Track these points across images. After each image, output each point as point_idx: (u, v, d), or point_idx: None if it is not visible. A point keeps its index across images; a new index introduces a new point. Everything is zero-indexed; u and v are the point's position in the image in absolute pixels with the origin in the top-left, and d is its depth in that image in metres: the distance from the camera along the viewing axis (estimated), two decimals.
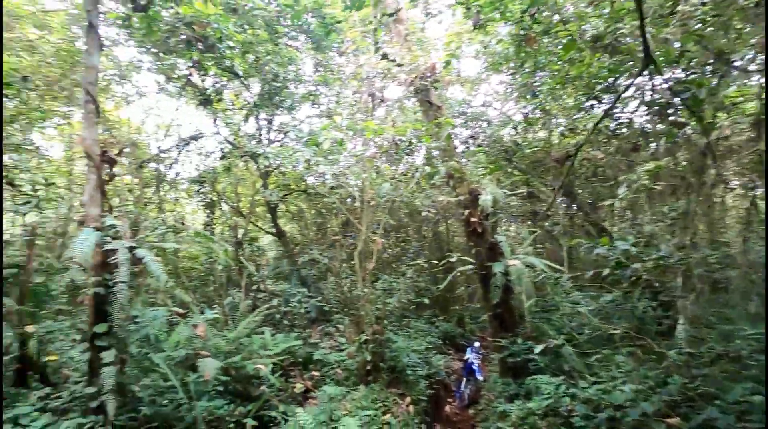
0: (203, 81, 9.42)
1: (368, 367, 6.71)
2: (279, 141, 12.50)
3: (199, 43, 6.41)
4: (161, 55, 9.92)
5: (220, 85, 10.23)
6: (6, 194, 9.49)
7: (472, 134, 11.09)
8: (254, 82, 11.47)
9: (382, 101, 8.50)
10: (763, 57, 4.78)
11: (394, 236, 12.73)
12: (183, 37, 7.44)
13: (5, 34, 8.70)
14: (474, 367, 8.76)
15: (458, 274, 7.80)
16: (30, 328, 5.69)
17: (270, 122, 12.12)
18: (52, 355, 6.08)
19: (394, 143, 7.55)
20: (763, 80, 5.41)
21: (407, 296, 8.81)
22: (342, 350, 8.42)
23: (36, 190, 7.31)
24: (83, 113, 5.09)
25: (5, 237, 9.88)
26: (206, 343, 6.80)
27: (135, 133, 11.92)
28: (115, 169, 5.88)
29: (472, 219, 6.95)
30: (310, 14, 10.60)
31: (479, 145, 9.83)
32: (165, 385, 5.85)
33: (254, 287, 11.26)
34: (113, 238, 4.82)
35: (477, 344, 9.65)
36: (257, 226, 12.20)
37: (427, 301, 8.49)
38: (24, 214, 10.34)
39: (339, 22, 9.44)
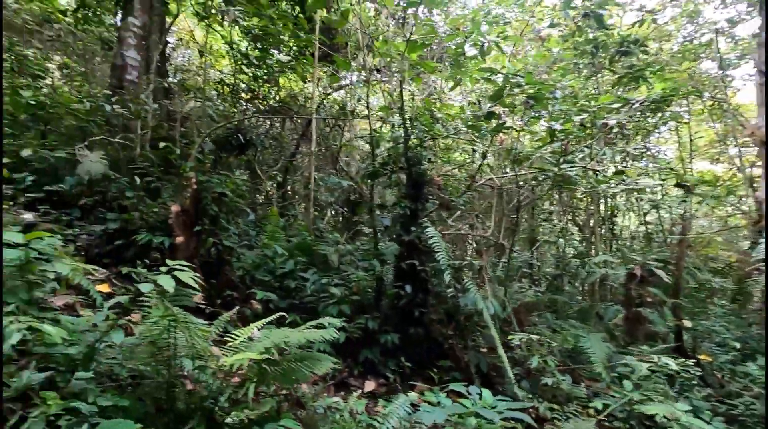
0: None
1: None
2: None
3: None
4: None
5: None
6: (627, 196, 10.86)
7: None
8: None
9: None
10: None
11: None
12: None
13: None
14: None
15: None
16: (687, 323, 5.89)
17: None
18: (704, 355, 5.99)
19: None
20: None
21: None
22: None
23: (684, 189, 7.65)
24: (757, 99, 4.57)
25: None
26: None
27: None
28: None
29: None
30: None
31: None
32: None
33: None
34: None
35: None
36: None
37: None
38: (645, 214, 11.51)
39: None
